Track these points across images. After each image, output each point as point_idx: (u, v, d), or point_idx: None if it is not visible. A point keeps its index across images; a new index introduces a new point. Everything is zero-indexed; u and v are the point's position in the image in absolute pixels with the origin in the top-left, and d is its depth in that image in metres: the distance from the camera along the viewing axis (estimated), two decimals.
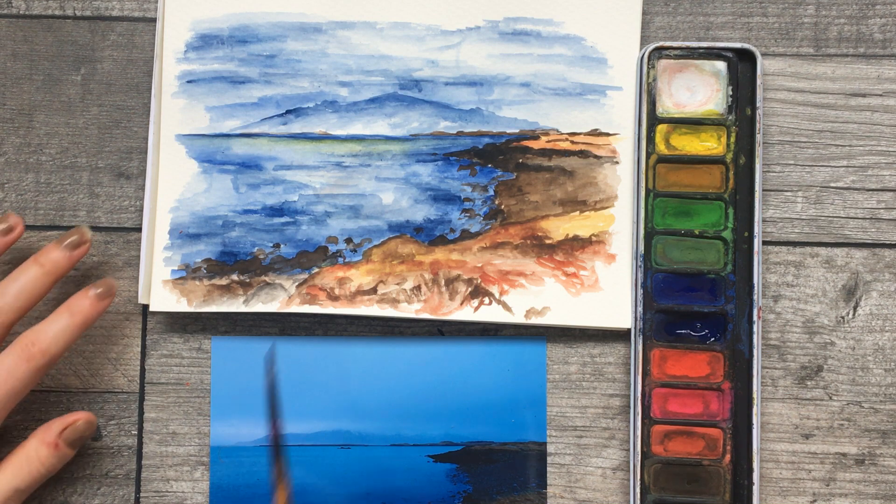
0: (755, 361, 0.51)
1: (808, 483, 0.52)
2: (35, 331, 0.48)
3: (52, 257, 0.49)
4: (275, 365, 0.53)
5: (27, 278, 0.49)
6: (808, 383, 0.53)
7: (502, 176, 0.53)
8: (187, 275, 0.52)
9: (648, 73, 0.52)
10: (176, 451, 0.53)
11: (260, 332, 0.53)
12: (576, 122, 0.53)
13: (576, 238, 0.53)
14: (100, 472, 0.53)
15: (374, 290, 0.52)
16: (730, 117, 0.52)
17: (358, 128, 0.53)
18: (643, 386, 0.51)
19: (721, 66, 0.52)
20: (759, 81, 0.52)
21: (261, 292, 0.52)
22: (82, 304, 0.49)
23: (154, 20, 0.54)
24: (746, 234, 0.52)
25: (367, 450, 0.53)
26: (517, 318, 0.52)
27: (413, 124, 0.53)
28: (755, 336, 0.51)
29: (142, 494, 0.53)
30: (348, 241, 0.53)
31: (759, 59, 0.52)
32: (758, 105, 0.52)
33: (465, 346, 0.53)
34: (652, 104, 0.52)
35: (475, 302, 0.52)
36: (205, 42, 0.53)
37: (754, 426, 0.50)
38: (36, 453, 0.48)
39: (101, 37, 0.54)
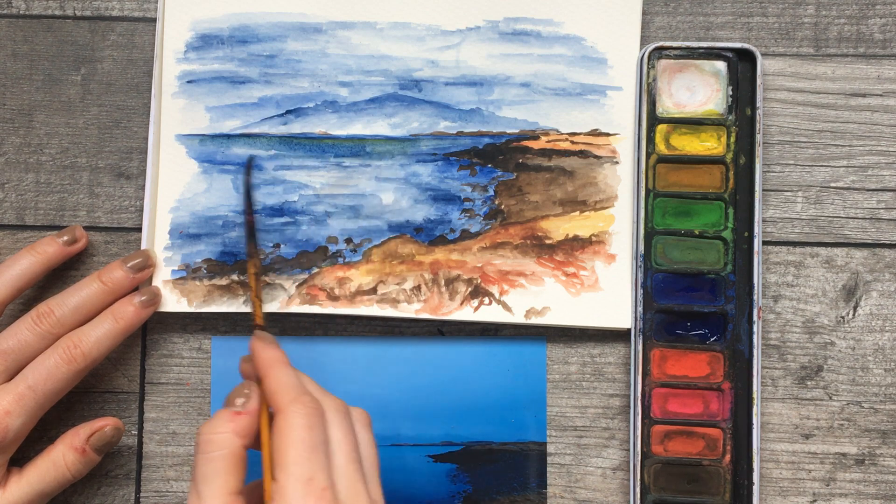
0: (755, 361, 0.51)
1: (808, 483, 0.52)
2: (78, 333, 0.49)
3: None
4: (252, 170, 0.52)
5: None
6: (808, 383, 0.53)
7: (502, 176, 0.53)
8: (187, 275, 0.52)
9: (648, 73, 0.52)
10: (176, 451, 0.53)
11: None
12: (576, 122, 0.53)
13: (576, 238, 0.52)
14: (100, 472, 0.53)
15: (374, 290, 0.52)
16: (730, 117, 0.52)
17: (358, 128, 0.53)
18: (643, 386, 0.51)
19: (721, 66, 0.52)
20: (759, 81, 0.52)
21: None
22: (126, 311, 0.50)
23: (154, 20, 0.54)
24: (746, 234, 0.51)
25: None
26: (517, 318, 0.52)
27: (413, 124, 0.53)
28: (755, 336, 0.51)
29: (142, 494, 0.53)
30: (348, 241, 0.53)
31: (759, 59, 0.52)
32: (758, 105, 0.52)
33: (465, 346, 0.53)
34: (652, 104, 0.52)
35: (475, 302, 0.52)
36: (205, 42, 0.53)
37: (754, 426, 0.50)
38: (63, 458, 0.49)
39: (101, 37, 0.54)
